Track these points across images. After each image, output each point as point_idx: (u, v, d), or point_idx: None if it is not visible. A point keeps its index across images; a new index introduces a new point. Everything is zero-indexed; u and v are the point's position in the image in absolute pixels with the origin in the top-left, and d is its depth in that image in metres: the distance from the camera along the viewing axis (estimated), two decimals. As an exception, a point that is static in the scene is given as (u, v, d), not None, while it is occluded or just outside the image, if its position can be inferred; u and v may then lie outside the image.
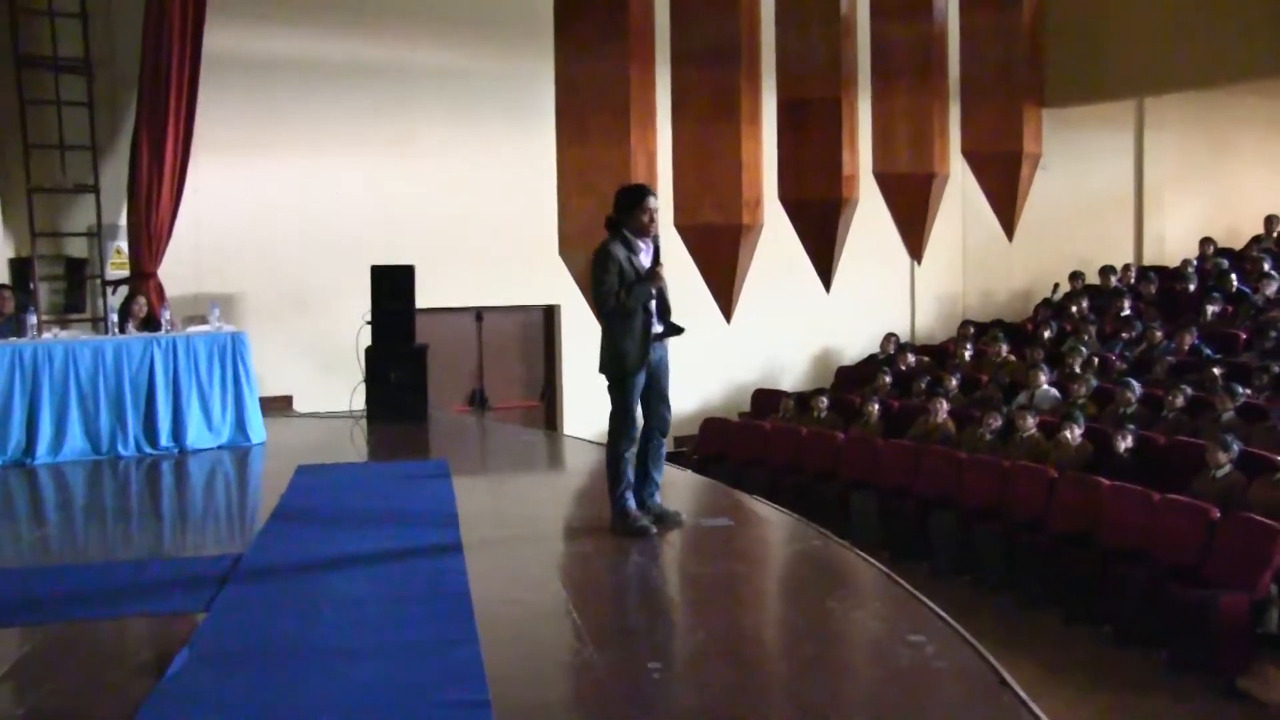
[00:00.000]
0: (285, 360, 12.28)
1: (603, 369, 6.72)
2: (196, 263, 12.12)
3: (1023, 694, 4.45)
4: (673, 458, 12.31)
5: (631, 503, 6.73)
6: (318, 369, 12.37)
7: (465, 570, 6.03)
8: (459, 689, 4.44)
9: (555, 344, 14.47)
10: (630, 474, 6.73)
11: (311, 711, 4.29)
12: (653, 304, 6.55)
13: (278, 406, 11.79)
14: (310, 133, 12.89)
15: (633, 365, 6.54)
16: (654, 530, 6.68)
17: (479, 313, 13.35)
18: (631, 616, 5.56)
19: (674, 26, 11.79)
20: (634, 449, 6.70)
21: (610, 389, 6.72)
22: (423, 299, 11.81)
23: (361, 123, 13.07)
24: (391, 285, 11.42)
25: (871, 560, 6.44)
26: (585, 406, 13.91)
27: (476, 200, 13.42)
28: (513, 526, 7.48)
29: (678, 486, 8.92)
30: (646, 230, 6.56)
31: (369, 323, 11.44)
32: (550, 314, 14.45)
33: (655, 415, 6.74)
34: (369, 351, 11.46)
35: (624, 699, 4.49)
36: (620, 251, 6.48)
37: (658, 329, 6.59)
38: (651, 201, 6.55)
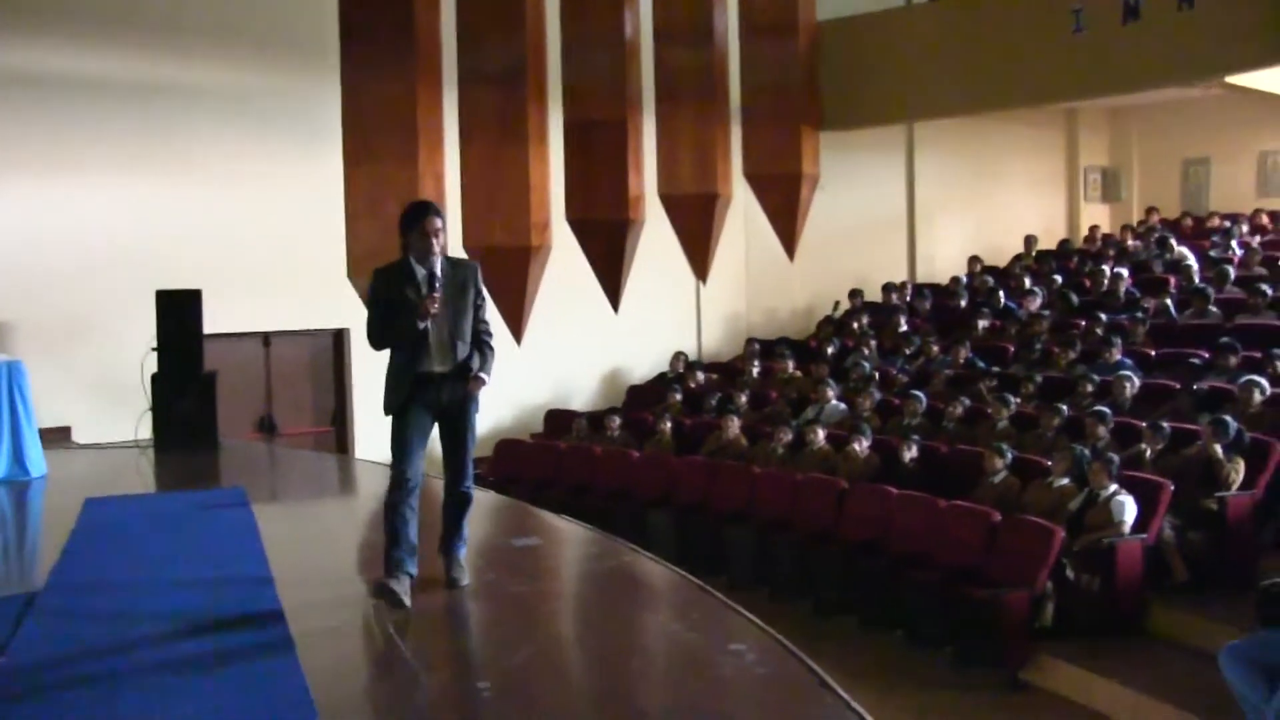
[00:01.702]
0: (63, 389, 11.74)
1: None
2: (-37, 289, 11.53)
3: (844, 694, 4.65)
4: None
5: (402, 561, 5.78)
6: (99, 398, 11.86)
7: (277, 599, 5.92)
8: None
9: (345, 368, 14.21)
10: (410, 531, 5.81)
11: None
12: (431, 338, 5.80)
13: (56, 438, 11.21)
14: (86, 152, 12.35)
15: (389, 402, 5.88)
16: (405, 602, 5.66)
17: (266, 337, 13.09)
18: (453, 637, 5.55)
19: (461, 48, 11.83)
20: (409, 499, 5.80)
21: None
22: (209, 324, 11.43)
23: (141, 141, 12.61)
24: (178, 310, 11.03)
25: (683, 573, 6.59)
26: (377, 431, 13.69)
27: (263, 222, 13.09)
28: (318, 553, 7.39)
29: (482, 507, 8.93)
30: (424, 254, 5.80)
31: (155, 349, 11.03)
32: (340, 338, 14.19)
33: (447, 465, 6.06)
34: (155, 379, 11.06)
35: (458, 720, 4.53)
36: (390, 278, 5.82)
37: (437, 368, 5.83)
38: (434, 222, 5.78)
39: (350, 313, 12.03)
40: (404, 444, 5.86)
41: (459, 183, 11.79)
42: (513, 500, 9.26)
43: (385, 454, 13.07)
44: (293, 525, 8.50)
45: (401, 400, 5.84)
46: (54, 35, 12.27)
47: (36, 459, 9.83)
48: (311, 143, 12.81)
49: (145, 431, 11.22)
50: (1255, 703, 7.13)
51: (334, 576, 6.70)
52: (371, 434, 13.79)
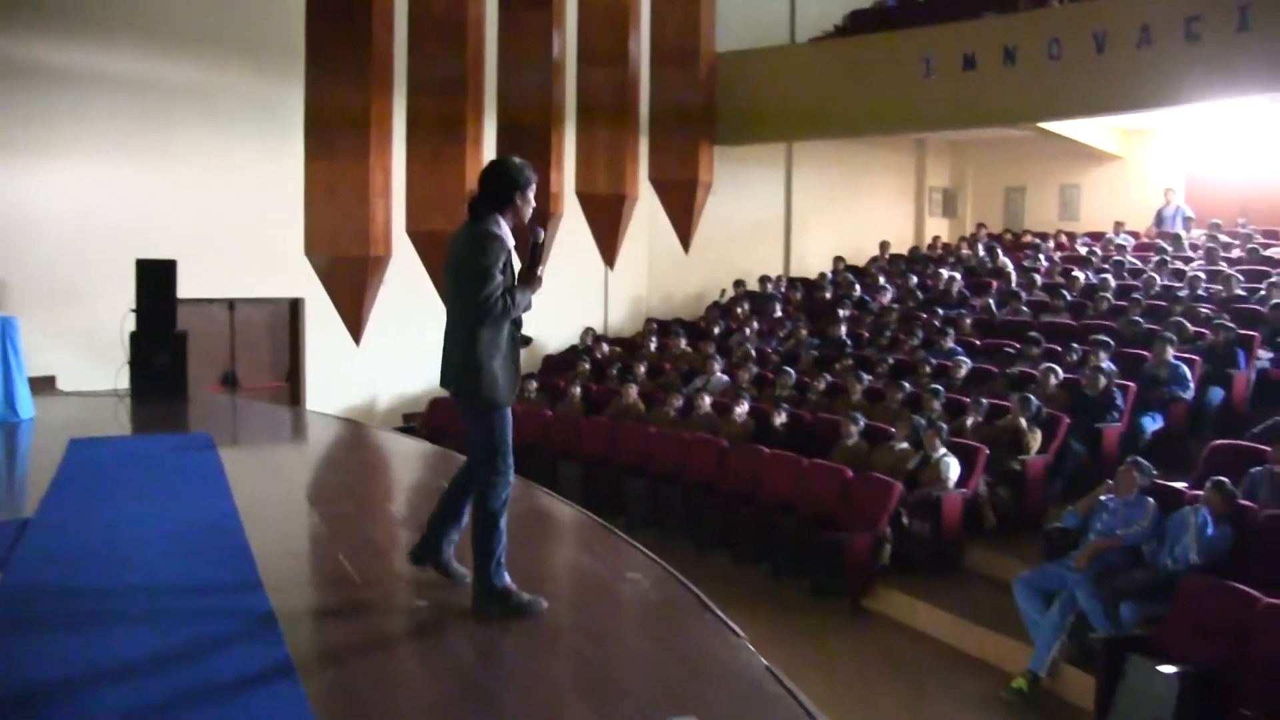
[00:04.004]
0: (50, 343, 11.46)
1: (463, 391, 4.46)
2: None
3: (721, 614, 4.80)
4: (405, 431, 12.25)
5: (507, 576, 4.63)
6: (82, 352, 11.58)
7: (243, 530, 5.87)
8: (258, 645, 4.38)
9: (300, 333, 14.03)
10: (503, 544, 4.60)
11: (120, 668, 4.03)
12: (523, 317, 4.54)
13: (42, 386, 10.91)
14: (78, 137, 12.06)
15: (506, 392, 4.45)
16: (544, 604, 4.60)
17: (232, 303, 12.91)
18: (396, 566, 5.56)
19: (411, 60, 11.86)
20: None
21: (475, 422, 4.53)
22: (181, 290, 11.17)
23: (127, 130, 12.36)
24: (155, 277, 10.83)
25: (590, 514, 6.69)
26: (325, 386, 13.65)
27: (231, 203, 12.87)
28: (277, 489, 7.34)
29: (417, 455, 8.97)
30: (524, 223, 4.46)
31: (133, 310, 10.81)
32: (295, 306, 14.01)
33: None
34: (133, 336, 10.83)
35: (405, 635, 4.56)
36: (507, 241, 4.38)
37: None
38: (535, 187, 4.49)
39: (305, 284, 12.00)
40: (511, 438, 4.59)
41: (404, 176, 11.81)
42: (443, 449, 9.24)
43: (333, 405, 13.06)
44: (254, 466, 8.38)
45: (518, 385, 4.58)
46: (52, 33, 11.95)
47: (26, 403, 9.58)
48: (276, 136, 12.66)
49: (123, 382, 10.99)
50: (1034, 618, 7.74)
51: (292, 513, 6.69)
52: (320, 388, 13.68)
